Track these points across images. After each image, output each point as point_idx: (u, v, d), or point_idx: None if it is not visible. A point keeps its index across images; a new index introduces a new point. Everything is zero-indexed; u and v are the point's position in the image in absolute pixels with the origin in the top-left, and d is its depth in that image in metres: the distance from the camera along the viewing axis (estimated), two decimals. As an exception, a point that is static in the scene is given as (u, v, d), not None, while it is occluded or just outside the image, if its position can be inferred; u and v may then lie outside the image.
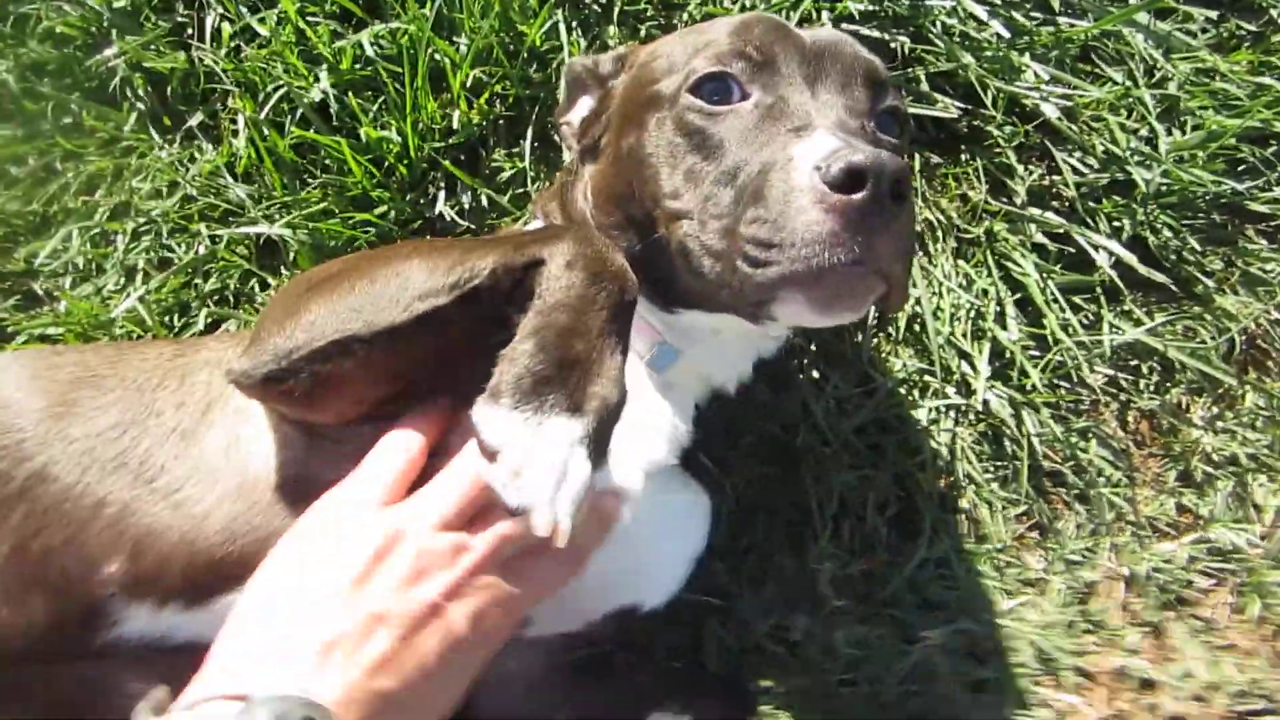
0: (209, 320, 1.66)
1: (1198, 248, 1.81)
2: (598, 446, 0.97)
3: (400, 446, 1.09)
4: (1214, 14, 1.92)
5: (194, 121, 1.76)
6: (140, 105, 1.78)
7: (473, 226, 1.69)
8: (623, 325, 1.04)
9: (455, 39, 1.75)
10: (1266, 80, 1.86)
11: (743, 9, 1.79)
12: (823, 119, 1.10)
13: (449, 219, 1.69)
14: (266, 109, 1.69)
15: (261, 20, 1.78)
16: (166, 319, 1.66)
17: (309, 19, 1.74)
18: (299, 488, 1.14)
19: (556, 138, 1.70)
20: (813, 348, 1.68)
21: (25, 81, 1.78)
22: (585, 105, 1.45)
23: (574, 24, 1.78)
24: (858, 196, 0.95)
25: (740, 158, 1.11)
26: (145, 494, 1.14)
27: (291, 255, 1.67)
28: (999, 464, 1.68)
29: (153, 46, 1.78)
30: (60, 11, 1.81)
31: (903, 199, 0.97)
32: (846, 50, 1.21)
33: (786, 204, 0.99)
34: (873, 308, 1.12)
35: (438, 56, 1.70)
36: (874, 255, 0.97)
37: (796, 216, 0.98)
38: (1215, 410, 1.77)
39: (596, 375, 0.98)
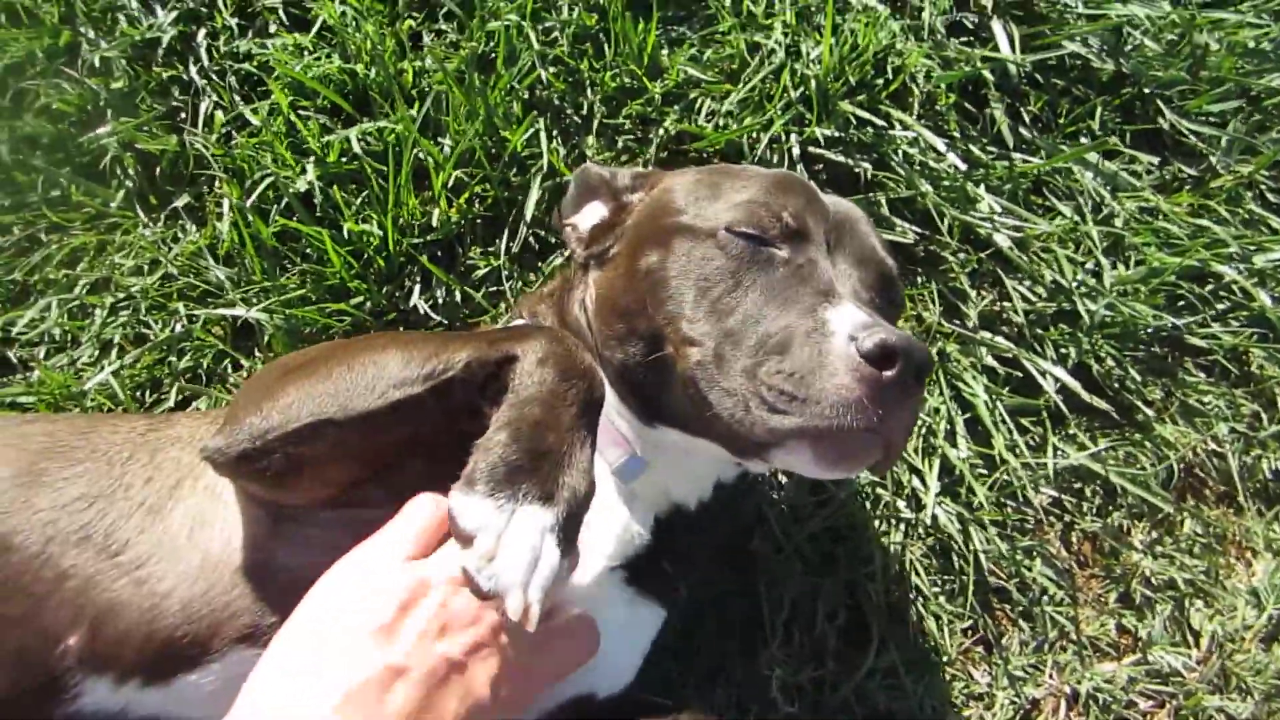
0: (180, 397, 1.66)
1: (1138, 378, 1.87)
2: (568, 534, 0.99)
3: (428, 505, 1.09)
4: (1156, 159, 2.02)
5: (180, 203, 1.79)
6: (129, 183, 1.81)
7: (445, 321, 1.72)
8: (591, 420, 1.07)
9: (440, 139, 1.80)
10: (1204, 222, 1.96)
11: (716, 129, 1.86)
12: (844, 289, 1.18)
13: (423, 312, 1.72)
14: (253, 196, 1.71)
15: (254, 110, 1.82)
16: (139, 394, 1.66)
17: (300, 112, 1.78)
18: (260, 572, 1.14)
19: (555, 238, 1.76)
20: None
21: (17, 153, 1.80)
22: (595, 212, 1.47)
23: (554, 133, 1.84)
24: (889, 374, 1.01)
25: (767, 308, 1.16)
26: (108, 568, 1.13)
27: (266, 339, 1.69)
28: (947, 578, 1.70)
29: (146, 128, 1.81)
30: (59, 89, 1.84)
31: (922, 383, 1.05)
32: (862, 230, 1.31)
33: (819, 364, 1.04)
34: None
35: (422, 156, 1.75)
36: (886, 426, 1.03)
37: (827, 378, 1.03)
38: (1155, 535, 1.82)
39: (567, 466, 1.00)
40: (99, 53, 1.87)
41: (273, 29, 1.94)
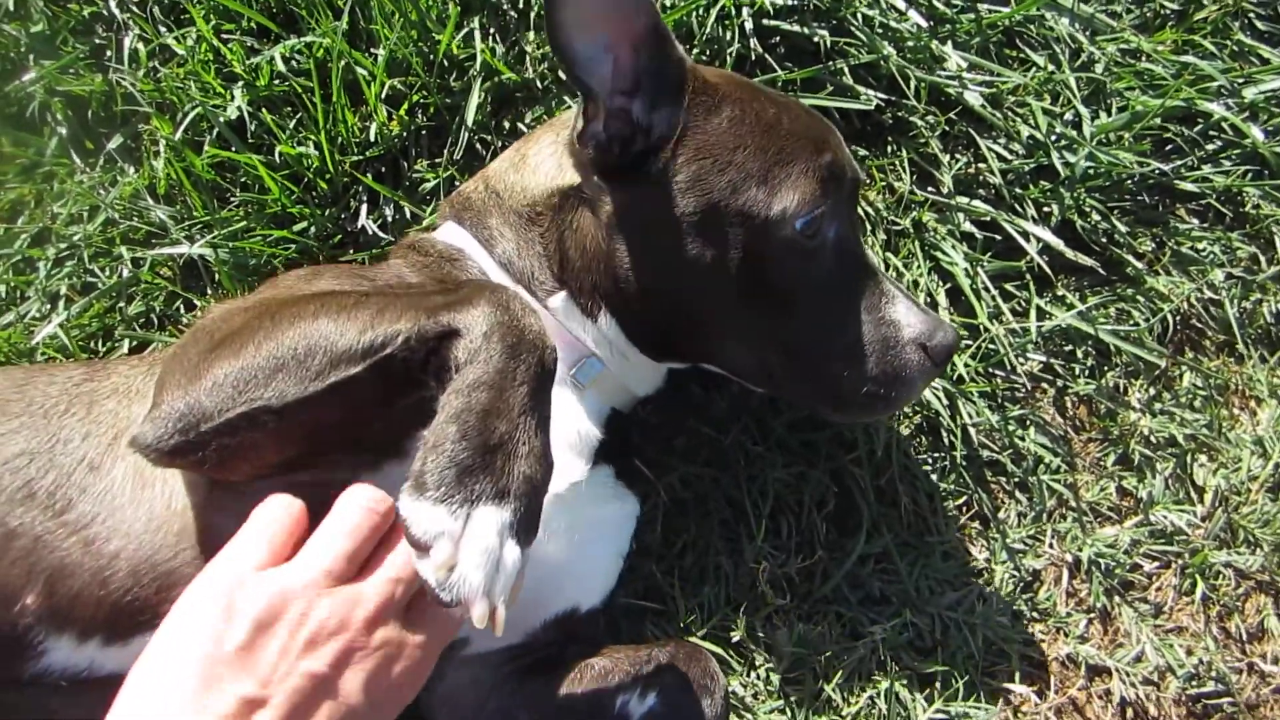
0: (133, 345, 1.54)
1: (1127, 230, 1.71)
2: (527, 526, 0.90)
3: (278, 507, 0.99)
4: (1136, -4, 1.82)
5: (114, 144, 1.65)
6: (60, 130, 1.66)
7: (394, 240, 1.57)
8: (544, 397, 0.96)
9: (372, 50, 1.63)
10: (1190, 58, 1.77)
11: (663, 9, 1.68)
12: (878, 268, 1.29)
13: (371, 233, 1.58)
14: (182, 129, 1.57)
15: (178, 39, 1.66)
16: (90, 344, 1.55)
17: (224, 36, 1.63)
18: (203, 535, 1.06)
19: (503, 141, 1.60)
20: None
21: (-59, 109, 1.66)
22: (621, 108, 1.16)
23: (491, 30, 1.67)
24: (939, 367, 1.25)
25: (834, 307, 1.22)
26: (55, 528, 1.05)
27: (215, 275, 1.56)
28: (936, 455, 1.57)
29: (71, 70, 1.66)
30: (-23, 41, 1.69)
31: None
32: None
33: (898, 374, 1.23)
34: None
35: (354, 69, 1.59)
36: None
37: (905, 385, 1.23)
38: (1152, 392, 1.67)
39: (521, 455, 0.91)
40: (14, -5, 1.71)
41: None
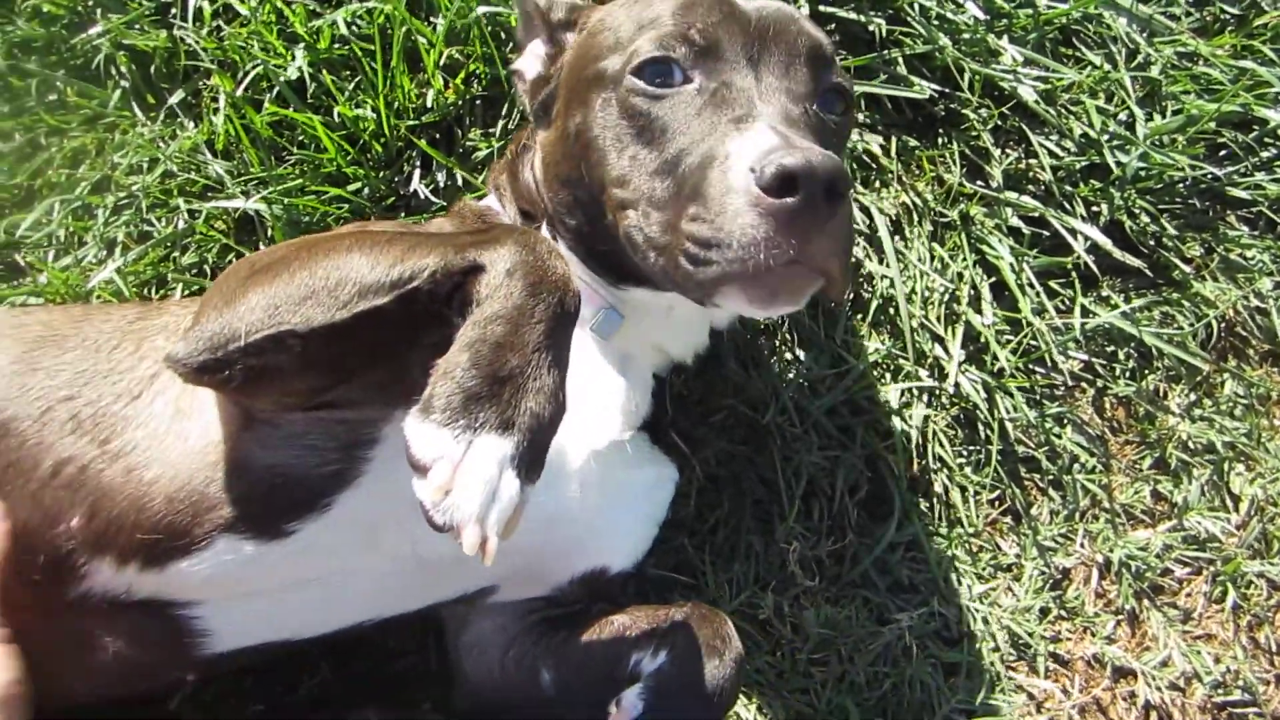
0: (185, 294, 1.48)
1: (1176, 233, 1.60)
2: (530, 463, 0.84)
3: None
4: None
5: (175, 99, 1.59)
6: (124, 83, 1.60)
7: (444, 205, 1.50)
8: (561, 338, 0.90)
9: (432, 19, 1.55)
10: (1249, 64, 1.65)
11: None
12: (766, 106, 1.00)
13: (423, 197, 1.51)
14: (243, 87, 1.50)
15: (242, 0, 1.59)
16: (144, 291, 1.49)
17: (286, -2, 1.55)
18: (238, 467, 1.03)
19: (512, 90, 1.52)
20: (785, 328, 1.47)
21: (12, 59, 1.61)
22: (536, 55, 1.28)
23: (551, 3, 1.58)
24: (790, 201, 0.88)
25: (681, 146, 1.00)
26: (98, 455, 1.04)
27: (269, 230, 1.49)
28: (972, 448, 1.48)
29: (136, 25, 1.60)
30: (49, -9, 1.63)
31: (838, 198, 0.89)
32: (791, 27, 1.08)
33: (724, 205, 0.91)
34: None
35: (414, 36, 1.51)
36: (809, 254, 0.90)
37: (734, 219, 0.90)
38: (1193, 397, 1.57)
39: (531, 390, 0.85)
40: (87, -50, 1.64)
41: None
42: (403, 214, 1.52)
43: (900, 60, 1.58)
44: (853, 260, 0.98)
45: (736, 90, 1.02)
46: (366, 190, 1.49)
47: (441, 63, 1.53)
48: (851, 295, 1.52)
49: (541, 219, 1.23)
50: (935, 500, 1.44)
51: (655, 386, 1.24)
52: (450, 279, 0.90)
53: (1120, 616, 1.46)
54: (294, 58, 1.52)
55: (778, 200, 0.88)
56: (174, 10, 1.61)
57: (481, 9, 1.52)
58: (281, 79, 1.51)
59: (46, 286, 1.48)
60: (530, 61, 1.28)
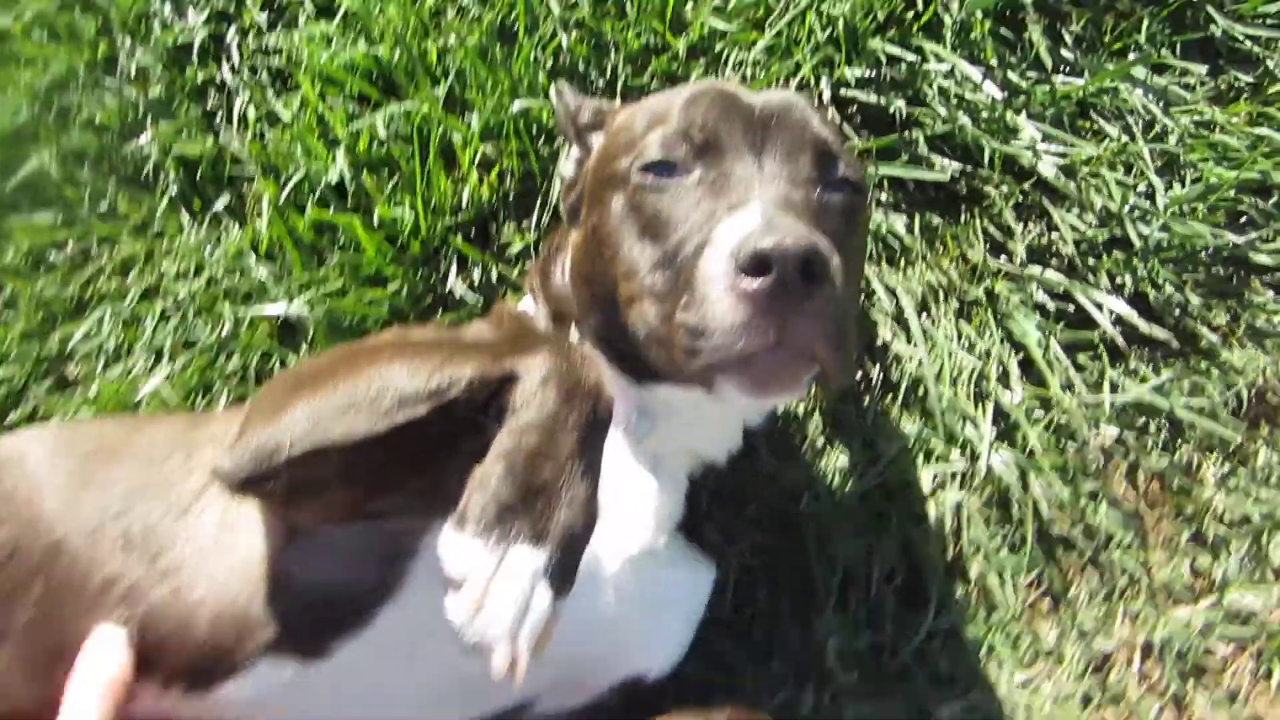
0: (230, 400, 1.50)
1: (1200, 302, 1.59)
2: (562, 575, 0.83)
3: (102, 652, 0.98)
4: (1208, 69, 1.70)
5: (220, 204, 1.63)
6: (172, 189, 1.65)
7: (483, 301, 1.51)
8: (594, 446, 0.90)
9: (466, 116, 1.58)
10: (1265, 131, 1.64)
11: (743, 80, 1.61)
12: (764, 190, 1.00)
13: (459, 295, 1.53)
14: (286, 190, 1.53)
15: (285, 104, 1.63)
16: (189, 399, 1.52)
17: (329, 101, 1.59)
18: (277, 583, 1.02)
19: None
20: (815, 415, 1.47)
21: (65, 169, 1.65)
22: (571, 159, 1.31)
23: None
24: (762, 282, 0.87)
25: (680, 236, 1.00)
26: (148, 573, 1.02)
27: (310, 334, 1.51)
28: (1006, 529, 1.47)
29: (184, 132, 1.64)
30: (100, 101, 1.69)
31: (815, 279, 0.88)
32: (796, 117, 1.08)
33: (706, 292, 0.91)
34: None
35: (449, 134, 1.54)
36: (791, 337, 0.89)
37: (715, 305, 0.90)
38: (1227, 468, 1.54)
39: (564, 501, 0.84)
40: (136, 61, 1.71)
41: (301, 20, 1.74)
42: (440, 312, 1.54)
43: (921, 140, 1.59)
44: (854, 344, 0.98)
45: (735, 178, 1.02)
46: (405, 290, 1.52)
47: (476, 160, 1.55)
48: (881, 377, 1.52)
49: (571, 320, 1.23)
50: (972, 585, 1.43)
51: (689, 488, 1.22)
52: (487, 388, 0.90)
53: (1164, 700, 1.43)
54: (335, 160, 1.55)
55: (752, 282, 0.87)
56: (220, 116, 1.66)
57: (516, 105, 1.54)
58: (323, 181, 1.54)
59: (96, 399, 1.50)
60: (567, 165, 1.32)
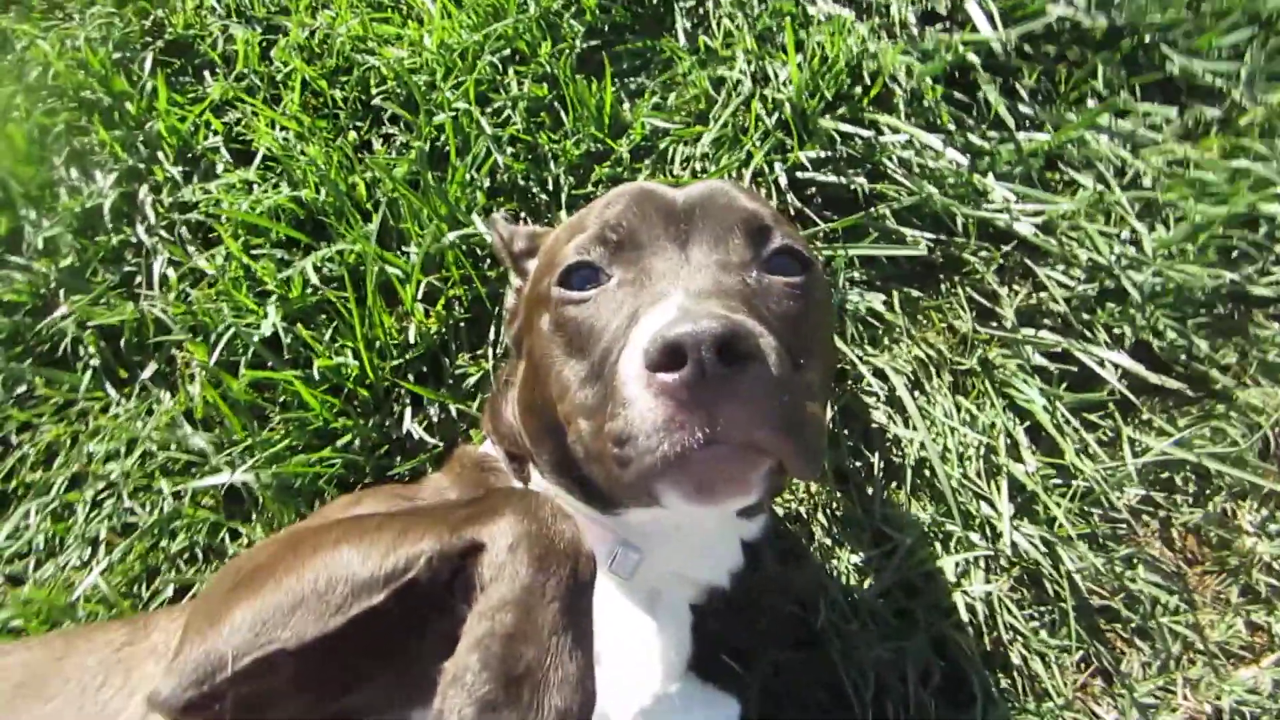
0: (178, 585, 1.57)
1: (1205, 344, 1.73)
2: None
3: None
4: (1174, 108, 1.90)
5: (148, 374, 1.73)
6: (93, 363, 1.75)
7: (441, 443, 1.62)
8: (580, 612, 0.90)
9: (404, 249, 1.73)
10: (1242, 163, 1.82)
11: (694, 175, 1.78)
12: (689, 279, 1.05)
13: (417, 437, 1.62)
14: (217, 351, 1.65)
15: (209, 260, 1.76)
16: (133, 589, 1.58)
17: (253, 252, 1.73)
18: None
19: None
20: (819, 515, 1.58)
21: (-27, 357, 1.76)
22: (513, 289, 1.42)
23: (522, 215, 1.76)
24: (678, 375, 0.88)
25: (604, 345, 1.05)
26: None
27: (259, 501, 1.60)
28: (1043, 609, 1.56)
29: (102, 301, 1.76)
30: (7, 279, 1.80)
31: (741, 360, 0.89)
32: (720, 201, 1.16)
33: (626, 395, 0.94)
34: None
35: (389, 270, 1.67)
36: (725, 429, 0.89)
37: (634, 407, 0.92)
38: (1264, 513, 1.66)
39: (553, 685, 0.84)
40: (43, 233, 1.83)
41: (219, 169, 1.90)
42: (398, 458, 1.63)
43: (889, 215, 1.75)
44: (817, 427, 0.99)
45: (656, 274, 1.07)
46: (357, 442, 1.61)
47: (419, 295, 1.69)
48: (883, 464, 1.63)
49: (527, 456, 1.27)
50: (1016, 674, 1.51)
51: (694, 620, 1.24)
52: (449, 562, 0.90)
53: (1242, 771, 1.51)
54: (266, 314, 1.67)
55: (668, 375, 0.89)
56: (139, 279, 1.79)
57: (453, 234, 1.69)
58: (255, 338, 1.66)
59: (27, 606, 1.56)
60: (510, 296, 1.42)
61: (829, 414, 1.53)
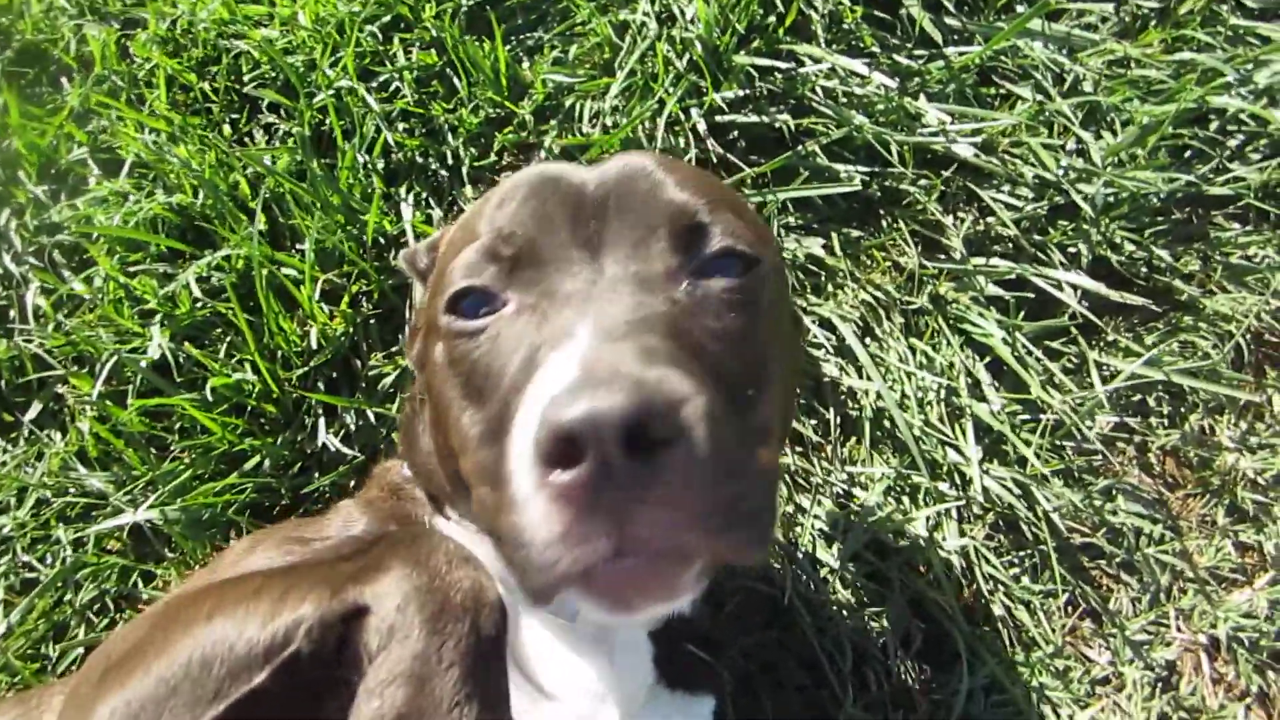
0: (89, 639, 1.52)
1: (1168, 253, 1.71)
2: None
3: None
4: (1110, 3, 1.87)
5: (32, 414, 1.66)
6: (-31, 412, 1.68)
7: (360, 453, 1.57)
8: (487, 675, 0.83)
9: (297, 247, 1.67)
10: (1186, 55, 1.80)
11: (604, 131, 1.73)
12: (599, 307, 0.90)
13: (334, 449, 1.58)
14: (101, 382, 1.59)
15: (86, 281, 1.70)
16: (39, 649, 1.52)
17: (131, 269, 1.66)
18: None
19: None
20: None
21: None
22: (418, 308, 1.31)
23: (424, 195, 1.71)
24: (574, 476, 0.74)
25: (503, 392, 0.92)
26: None
27: (170, 538, 1.55)
28: (1022, 554, 1.54)
29: (-29, 343, 1.69)
30: None
31: (659, 448, 0.75)
32: (641, 187, 1.01)
33: (515, 491, 0.81)
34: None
35: (281, 272, 1.62)
36: (640, 540, 0.76)
37: (524, 510, 0.79)
38: (1243, 426, 1.65)
39: None
40: (-102, 275, 1.75)
41: (89, 183, 1.83)
42: (316, 475, 1.58)
43: (818, 151, 1.71)
44: (769, 496, 0.87)
45: (560, 298, 0.93)
46: (268, 462, 1.57)
47: (317, 295, 1.63)
48: (839, 421, 1.61)
49: (444, 500, 1.20)
50: (1001, 626, 1.50)
51: (654, 649, 1.19)
52: (332, 631, 0.82)
53: (1248, 699, 1.50)
54: (151, 335, 1.61)
55: (561, 476, 0.75)
56: (12, 313, 1.72)
57: (349, 226, 1.64)
58: (142, 363, 1.60)
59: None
60: (418, 295, 1.32)
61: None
